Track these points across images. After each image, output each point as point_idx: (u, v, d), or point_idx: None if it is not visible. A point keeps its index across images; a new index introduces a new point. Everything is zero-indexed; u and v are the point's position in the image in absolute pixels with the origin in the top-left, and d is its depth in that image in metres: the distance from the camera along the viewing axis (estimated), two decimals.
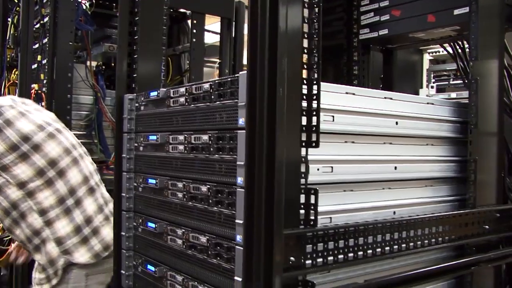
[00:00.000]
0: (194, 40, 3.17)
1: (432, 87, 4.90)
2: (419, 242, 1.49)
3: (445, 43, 2.29)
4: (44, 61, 3.01)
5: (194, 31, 3.17)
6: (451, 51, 2.17)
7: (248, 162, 1.17)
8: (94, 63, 3.49)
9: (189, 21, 3.37)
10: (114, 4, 3.45)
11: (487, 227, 1.70)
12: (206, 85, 1.36)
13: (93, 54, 3.40)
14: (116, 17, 3.47)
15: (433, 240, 1.53)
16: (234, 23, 3.44)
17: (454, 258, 1.71)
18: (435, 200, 1.67)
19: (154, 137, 1.56)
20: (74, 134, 2.38)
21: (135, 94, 1.72)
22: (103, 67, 3.52)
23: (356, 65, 2.35)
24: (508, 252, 1.78)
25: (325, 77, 2.39)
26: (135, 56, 1.76)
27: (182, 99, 1.45)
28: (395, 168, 1.53)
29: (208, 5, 3.25)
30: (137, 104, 1.68)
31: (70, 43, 2.89)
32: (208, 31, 3.49)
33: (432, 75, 4.92)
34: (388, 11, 2.20)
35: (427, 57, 4.93)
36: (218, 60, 3.55)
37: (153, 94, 1.58)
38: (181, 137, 1.45)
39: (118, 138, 1.72)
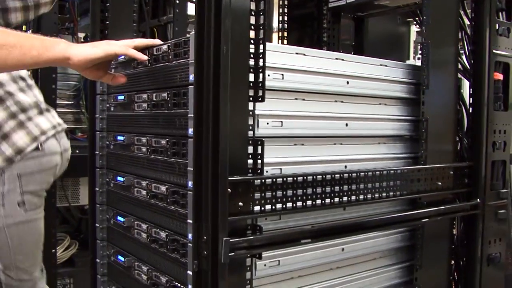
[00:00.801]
0: (177, 10, 3.25)
1: (418, 58, 4.97)
2: (369, 195, 1.60)
3: (411, 10, 2.38)
4: (29, 32, 3.08)
5: (177, 1, 3.25)
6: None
7: (196, 115, 1.28)
8: (82, 35, 3.58)
9: None
10: None
11: (439, 183, 1.81)
12: (165, 46, 1.46)
13: (81, 26, 3.48)
14: None
15: (384, 194, 1.64)
16: None
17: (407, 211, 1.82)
18: (388, 157, 1.77)
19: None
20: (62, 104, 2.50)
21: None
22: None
23: (326, 32, 2.44)
24: (460, 207, 1.89)
25: (299, 44, 2.49)
26: (106, 32, 1.86)
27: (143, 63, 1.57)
28: (346, 125, 1.63)
29: None
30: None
31: (55, 13, 2.96)
32: (192, 1, 3.57)
33: (419, 46, 4.98)
34: None
35: (414, 29, 4.98)
36: None
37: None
38: (144, 96, 1.57)
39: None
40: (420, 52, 4.93)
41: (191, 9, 3.54)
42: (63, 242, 3.08)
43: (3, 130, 1.81)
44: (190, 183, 1.33)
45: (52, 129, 1.82)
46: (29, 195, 1.80)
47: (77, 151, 3.06)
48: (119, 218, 1.73)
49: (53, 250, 2.86)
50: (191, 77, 1.32)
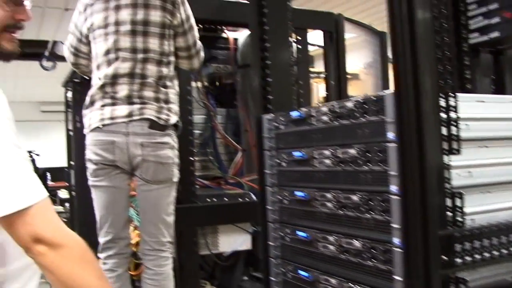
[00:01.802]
0: (300, 55, 3.34)
1: None
2: None
3: None
4: None
5: (299, 46, 3.34)
6: None
7: (401, 172, 1.31)
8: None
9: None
10: (219, 27, 3.68)
11: None
12: (350, 104, 1.51)
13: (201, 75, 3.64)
14: (221, 38, 3.71)
15: None
16: (335, 35, 3.58)
17: None
18: None
19: (299, 153, 1.72)
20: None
21: (272, 114, 1.89)
22: (212, 86, 3.76)
23: (468, 70, 2.42)
24: None
25: None
26: (269, 79, 1.93)
27: (325, 118, 1.61)
28: None
29: (310, 20, 3.42)
30: (275, 124, 1.86)
31: None
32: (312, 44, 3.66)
33: None
34: (498, 14, 2.27)
35: None
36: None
37: (294, 114, 1.75)
38: (327, 152, 1.61)
39: (260, 156, 1.90)
40: None
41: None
42: None
43: None
44: (396, 240, 1.35)
45: None
46: None
47: (214, 199, 3.18)
48: (301, 272, 1.77)
49: None
50: (389, 135, 1.35)
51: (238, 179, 3.52)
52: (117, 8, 2.59)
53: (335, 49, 3.61)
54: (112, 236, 2.60)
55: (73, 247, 1.22)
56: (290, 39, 2.01)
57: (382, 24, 6.89)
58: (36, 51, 6.25)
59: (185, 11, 2.69)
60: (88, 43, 2.71)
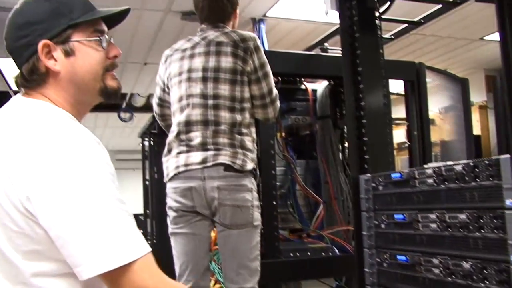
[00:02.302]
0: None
1: None
2: None
3: None
4: None
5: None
6: None
7: None
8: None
9: None
10: (298, 79, 3.69)
11: None
12: (458, 167, 1.45)
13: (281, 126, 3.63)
14: (299, 90, 3.71)
15: None
16: (417, 84, 3.52)
17: None
18: None
19: (400, 216, 1.66)
20: None
21: (369, 175, 1.85)
22: (291, 138, 3.75)
23: None
24: None
25: None
26: (365, 138, 1.89)
27: (430, 180, 1.55)
28: None
29: (392, 71, 3.37)
30: (373, 184, 1.81)
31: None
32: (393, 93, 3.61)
33: None
34: None
35: None
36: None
37: (395, 175, 1.70)
38: (432, 216, 1.55)
39: (356, 216, 1.85)
40: None
41: None
42: None
43: None
44: None
45: None
46: None
47: (298, 254, 3.12)
48: None
49: None
50: (508, 202, 1.28)
51: (320, 233, 3.45)
52: (192, 56, 2.65)
53: (417, 98, 3.54)
54: (192, 284, 2.57)
55: None
56: (384, 96, 1.97)
57: (458, 68, 6.79)
58: (114, 103, 6.44)
59: (259, 59, 2.67)
60: (169, 93, 2.77)
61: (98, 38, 1.33)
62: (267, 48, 4.52)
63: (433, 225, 1.55)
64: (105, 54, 1.36)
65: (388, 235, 1.77)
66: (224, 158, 2.49)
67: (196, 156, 2.53)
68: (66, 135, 1.18)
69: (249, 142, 2.61)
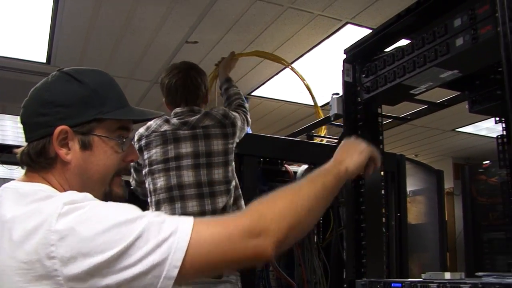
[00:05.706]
0: None
1: None
2: None
3: None
4: None
5: None
6: None
7: None
8: None
9: None
10: (279, 161, 3.74)
11: None
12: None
13: None
14: (283, 172, 3.75)
15: None
16: (397, 175, 3.59)
17: None
18: None
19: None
20: None
21: (365, 279, 1.85)
22: None
23: None
24: None
25: None
26: (363, 243, 1.91)
27: None
28: None
29: None
30: None
31: None
32: None
33: None
34: None
35: None
36: None
37: (395, 284, 1.71)
38: None
39: None
40: None
41: None
42: None
43: None
44: None
45: None
46: None
47: None
48: None
49: None
50: None
51: None
52: (177, 141, 2.56)
53: (396, 189, 3.60)
54: None
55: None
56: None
57: (427, 155, 6.94)
58: None
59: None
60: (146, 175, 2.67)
61: (120, 140, 1.24)
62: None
63: None
64: (122, 157, 1.27)
65: None
66: None
67: None
68: None
69: None
